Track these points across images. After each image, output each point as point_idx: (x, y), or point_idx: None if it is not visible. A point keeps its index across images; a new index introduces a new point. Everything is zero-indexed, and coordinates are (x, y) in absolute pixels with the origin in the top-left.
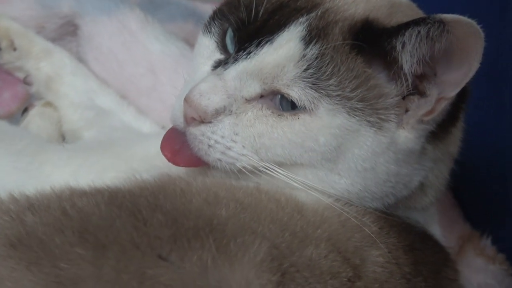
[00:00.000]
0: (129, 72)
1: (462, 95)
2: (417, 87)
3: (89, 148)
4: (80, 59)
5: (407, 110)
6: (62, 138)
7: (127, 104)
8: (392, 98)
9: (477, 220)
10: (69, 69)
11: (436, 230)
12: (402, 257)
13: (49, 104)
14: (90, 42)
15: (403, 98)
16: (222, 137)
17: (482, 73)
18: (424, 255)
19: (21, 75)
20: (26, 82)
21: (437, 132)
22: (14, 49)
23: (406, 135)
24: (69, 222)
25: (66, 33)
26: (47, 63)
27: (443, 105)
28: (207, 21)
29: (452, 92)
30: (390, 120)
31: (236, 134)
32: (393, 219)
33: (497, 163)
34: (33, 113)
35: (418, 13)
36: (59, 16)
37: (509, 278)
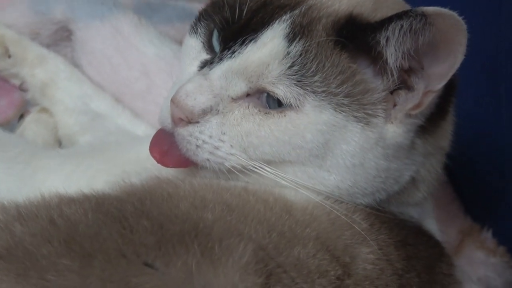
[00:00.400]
0: (123, 75)
1: (450, 88)
2: (404, 81)
3: (81, 153)
4: (75, 64)
5: (395, 105)
6: (59, 143)
7: (122, 108)
8: (378, 93)
9: (477, 213)
10: (64, 74)
11: (432, 224)
12: (393, 253)
13: (44, 110)
14: (84, 47)
15: (391, 92)
16: (210, 136)
17: (481, 69)
18: (417, 250)
19: (17, 82)
20: (21, 88)
21: (426, 126)
22: (9, 56)
23: (395, 130)
24: (56, 231)
25: (60, 38)
26: (42, 70)
27: (430, 98)
28: (193, 22)
29: (438, 85)
30: (378, 115)
31: (224, 133)
32: (385, 215)
33: (496, 157)
34: (28, 119)
35: (404, 6)
36: (53, 22)
37: (509, 271)
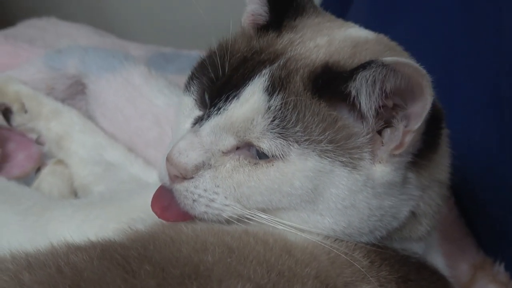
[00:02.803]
0: (135, 125)
1: (435, 122)
2: (389, 121)
3: (92, 203)
4: (90, 116)
5: (382, 144)
6: (75, 194)
7: (135, 157)
8: (363, 136)
9: (490, 247)
10: (78, 127)
11: (437, 259)
12: None
13: (60, 162)
14: (97, 99)
15: (379, 131)
16: (205, 190)
17: (488, 103)
18: (419, 286)
19: (33, 136)
20: (38, 142)
21: (418, 161)
22: (25, 112)
23: (383, 169)
24: (62, 279)
25: (75, 92)
26: (57, 123)
27: (411, 138)
28: (186, 80)
29: (415, 125)
30: (364, 158)
31: (217, 186)
32: (387, 252)
33: (506, 190)
34: (45, 171)
35: (385, 47)
36: (67, 77)
37: None
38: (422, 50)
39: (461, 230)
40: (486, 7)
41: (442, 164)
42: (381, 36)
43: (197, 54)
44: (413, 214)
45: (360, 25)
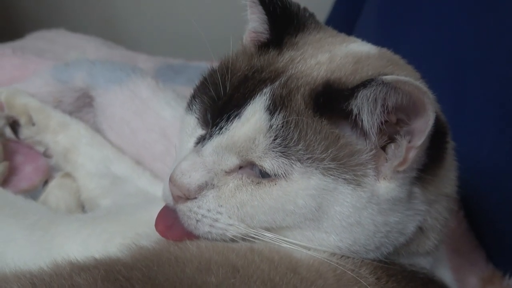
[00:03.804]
0: (142, 138)
1: (439, 137)
2: (392, 137)
3: (98, 217)
4: (97, 129)
5: (386, 160)
6: (82, 207)
7: (142, 170)
8: (366, 153)
9: (499, 261)
10: (85, 140)
11: (445, 273)
12: None
13: (67, 175)
14: (104, 112)
15: (384, 147)
16: (208, 210)
17: (502, 116)
18: None
19: (41, 149)
20: (46, 155)
21: (423, 176)
22: (33, 124)
23: (387, 186)
24: None
25: (83, 105)
26: (64, 136)
27: (414, 154)
28: (189, 99)
29: (419, 141)
30: (368, 175)
31: (221, 205)
32: (394, 268)
33: None
34: (52, 184)
35: (389, 61)
36: (75, 90)
37: None
38: (431, 63)
39: (471, 243)
40: (494, 19)
41: (448, 177)
42: (384, 50)
43: (205, 66)
44: (420, 229)
45: (368, 41)
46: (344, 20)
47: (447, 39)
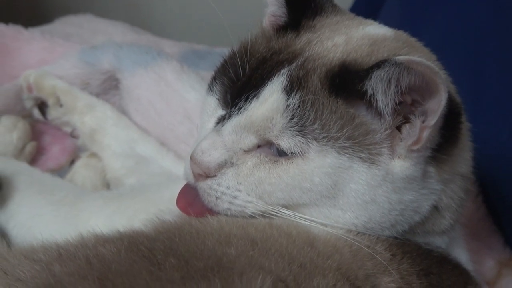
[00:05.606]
0: (167, 120)
1: (453, 117)
2: (407, 117)
3: (123, 194)
4: (123, 111)
5: (401, 139)
6: (107, 186)
7: (166, 151)
8: (381, 133)
9: None
10: (111, 121)
11: (460, 253)
12: (415, 282)
13: (93, 155)
14: (130, 94)
15: (399, 127)
16: (228, 188)
17: None
18: (440, 279)
19: (68, 129)
20: (73, 135)
21: (438, 155)
22: (61, 106)
23: (402, 164)
24: (91, 270)
25: (109, 87)
26: (91, 117)
27: (428, 133)
28: (210, 81)
29: (432, 121)
30: (383, 154)
31: (240, 183)
32: (409, 245)
33: None
34: (78, 164)
35: (405, 43)
36: (101, 72)
37: None
38: (453, 51)
39: (489, 227)
40: None
41: (463, 157)
42: (400, 32)
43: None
44: (435, 208)
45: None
46: (369, 9)
47: (470, 27)
